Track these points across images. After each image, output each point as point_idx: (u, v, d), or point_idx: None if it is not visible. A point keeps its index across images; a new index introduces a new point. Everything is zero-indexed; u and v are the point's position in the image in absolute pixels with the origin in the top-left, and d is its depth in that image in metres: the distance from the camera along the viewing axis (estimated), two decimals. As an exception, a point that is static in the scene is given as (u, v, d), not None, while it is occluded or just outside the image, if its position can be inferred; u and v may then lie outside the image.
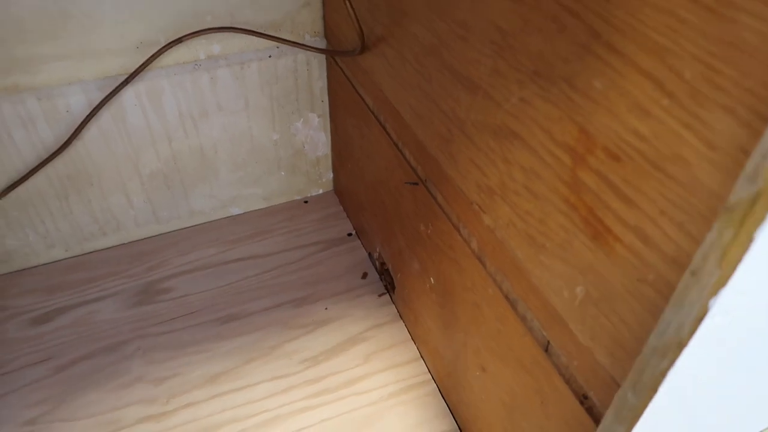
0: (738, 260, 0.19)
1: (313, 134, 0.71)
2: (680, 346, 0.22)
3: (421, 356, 0.59)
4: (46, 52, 0.54)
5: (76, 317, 0.62)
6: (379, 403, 0.56)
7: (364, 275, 0.67)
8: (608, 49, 0.25)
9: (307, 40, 0.63)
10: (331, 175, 0.76)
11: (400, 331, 0.62)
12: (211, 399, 0.56)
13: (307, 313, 0.63)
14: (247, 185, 0.72)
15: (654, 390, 0.24)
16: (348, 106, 0.63)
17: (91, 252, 0.69)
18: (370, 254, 0.69)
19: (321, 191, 0.77)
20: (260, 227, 0.73)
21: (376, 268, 0.68)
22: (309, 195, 0.77)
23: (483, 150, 0.37)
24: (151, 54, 0.57)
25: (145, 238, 0.70)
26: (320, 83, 0.67)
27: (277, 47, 0.62)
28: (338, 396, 0.56)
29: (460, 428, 0.54)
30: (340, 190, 0.75)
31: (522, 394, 0.40)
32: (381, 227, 0.62)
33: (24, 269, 0.67)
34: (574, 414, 0.33)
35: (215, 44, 0.60)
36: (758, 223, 0.18)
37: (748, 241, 0.18)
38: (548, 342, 0.35)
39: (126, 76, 0.58)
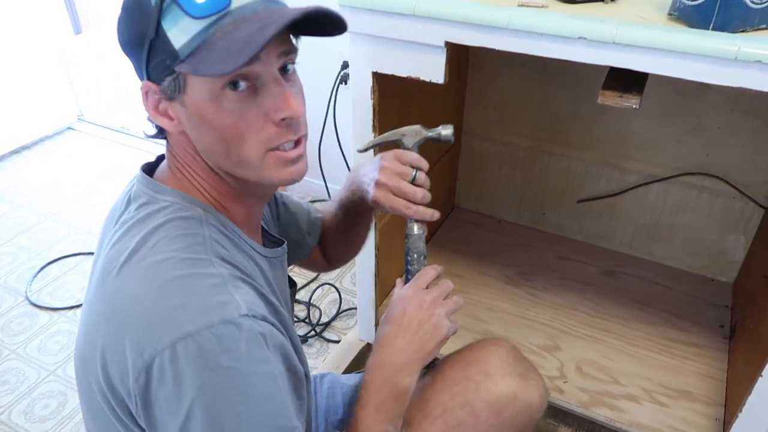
0: None
1: (738, 246, 1.25)
2: None
3: (726, 372, 1.10)
4: (631, 155, 1.25)
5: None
6: (683, 368, 1.10)
7: (721, 326, 1.19)
8: None
9: (758, 198, 1.18)
10: (735, 274, 1.28)
11: (723, 355, 1.13)
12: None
13: (678, 323, 1.20)
14: (685, 254, 1.31)
15: None
16: (762, 238, 1.16)
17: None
18: (731, 318, 1.20)
19: (725, 279, 1.30)
20: (679, 278, 1.31)
21: (729, 325, 1.19)
22: (716, 278, 1.31)
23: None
24: (667, 175, 1.22)
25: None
26: (755, 223, 1.21)
27: (739, 195, 1.19)
28: (667, 352, 1.13)
29: (725, 410, 1.04)
30: (736, 284, 1.27)
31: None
32: (741, 307, 1.14)
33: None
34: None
35: (705, 181, 1.21)
36: None
37: None
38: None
39: (658, 178, 1.24)
